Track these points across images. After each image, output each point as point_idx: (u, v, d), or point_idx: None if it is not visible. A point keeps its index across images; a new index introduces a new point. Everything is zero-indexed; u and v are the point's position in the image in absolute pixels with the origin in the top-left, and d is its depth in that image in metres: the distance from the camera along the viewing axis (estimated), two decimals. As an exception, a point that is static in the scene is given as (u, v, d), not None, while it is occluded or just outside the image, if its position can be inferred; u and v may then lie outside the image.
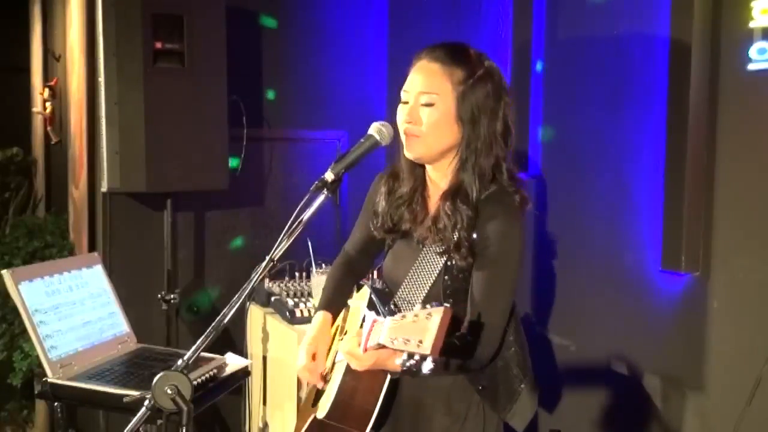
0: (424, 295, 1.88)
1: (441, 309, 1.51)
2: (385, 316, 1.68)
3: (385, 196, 1.99)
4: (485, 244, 1.80)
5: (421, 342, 1.49)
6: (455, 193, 1.84)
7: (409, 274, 1.91)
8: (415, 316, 1.54)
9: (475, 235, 1.81)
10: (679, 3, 2.54)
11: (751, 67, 2.36)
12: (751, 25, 2.35)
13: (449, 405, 1.91)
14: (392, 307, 1.92)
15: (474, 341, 1.77)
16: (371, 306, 1.88)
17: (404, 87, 1.87)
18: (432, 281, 1.87)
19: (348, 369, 1.81)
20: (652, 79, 2.67)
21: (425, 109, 1.82)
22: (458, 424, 1.91)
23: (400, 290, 1.93)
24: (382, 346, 1.60)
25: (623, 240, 2.82)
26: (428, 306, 1.53)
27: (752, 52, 2.35)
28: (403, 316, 1.56)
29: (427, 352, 1.48)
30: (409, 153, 1.87)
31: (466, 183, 1.83)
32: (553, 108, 3.19)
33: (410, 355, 1.50)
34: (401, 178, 1.97)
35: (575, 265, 3.07)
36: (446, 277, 1.86)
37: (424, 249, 1.89)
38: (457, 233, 1.81)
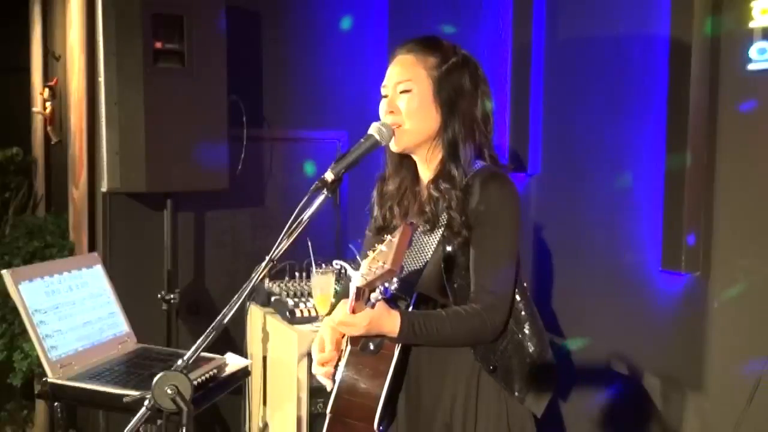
0: (421, 276, 1.88)
1: (401, 226, 1.57)
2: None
3: (377, 200, 2.03)
4: (477, 214, 1.81)
5: (384, 263, 1.54)
6: (439, 178, 1.86)
7: (405, 263, 1.91)
8: (382, 245, 1.59)
9: (467, 212, 1.82)
10: (679, 3, 2.54)
11: (751, 67, 2.36)
12: (751, 25, 2.35)
13: (468, 393, 1.89)
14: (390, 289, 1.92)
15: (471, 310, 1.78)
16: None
17: (383, 82, 1.91)
18: (424, 262, 1.87)
19: (348, 360, 1.81)
20: (652, 79, 2.67)
21: (403, 97, 1.86)
22: (474, 409, 1.88)
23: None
24: (360, 291, 1.63)
25: (623, 240, 2.82)
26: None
27: (752, 52, 2.35)
28: (373, 250, 1.62)
29: (389, 265, 1.51)
30: (394, 145, 1.89)
31: (449, 166, 1.85)
32: (553, 108, 3.19)
33: (382, 284, 1.56)
34: (387, 176, 2.00)
35: (575, 265, 3.07)
36: (444, 257, 1.84)
37: (415, 236, 1.90)
38: (446, 214, 1.83)
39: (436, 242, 1.86)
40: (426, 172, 1.94)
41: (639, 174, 2.77)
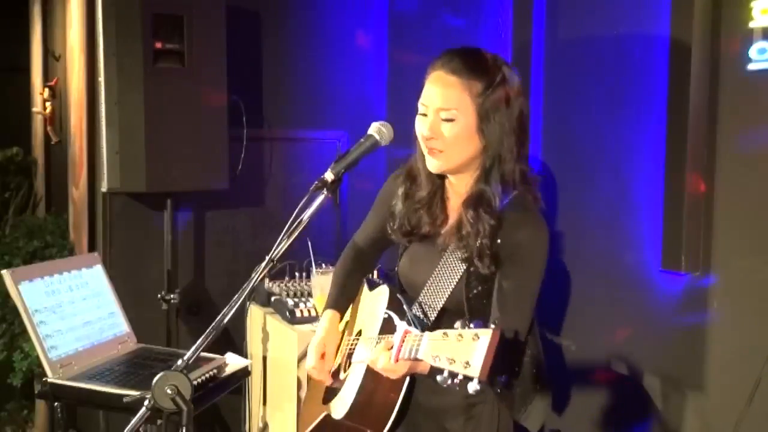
0: (445, 299, 1.87)
1: (490, 331, 1.46)
2: (412, 324, 1.68)
3: (402, 198, 1.97)
4: (512, 250, 1.79)
5: (468, 363, 1.45)
6: (478, 200, 1.82)
7: (431, 279, 1.90)
8: (459, 335, 1.49)
9: (499, 241, 1.80)
10: (679, 3, 2.54)
11: (751, 67, 2.36)
12: (751, 25, 2.35)
13: (466, 406, 1.91)
14: (416, 311, 1.90)
15: (514, 357, 1.79)
16: (395, 310, 1.84)
17: (421, 99, 1.84)
18: (453, 286, 1.86)
19: (368, 372, 1.81)
20: (652, 79, 2.67)
21: (446, 124, 1.79)
22: (472, 423, 1.91)
23: (421, 294, 1.92)
24: (418, 360, 1.59)
25: (623, 240, 2.82)
26: (471, 325, 1.49)
27: (752, 52, 2.35)
28: (445, 334, 1.53)
29: (476, 374, 1.44)
30: (431, 166, 1.85)
31: (488, 191, 1.82)
32: (553, 108, 3.19)
33: (452, 374, 1.47)
34: (419, 182, 1.95)
35: (575, 265, 3.07)
36: (468, 285, 1.84)
37: (446, 254, 1.88)
38: (479, 241, 1.80)
39: (465, 266, 1.85)
40: (459, 186, 1.90)
41: (639, 174, 2.77)
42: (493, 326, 1.47)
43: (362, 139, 1.84)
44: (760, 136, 2.39)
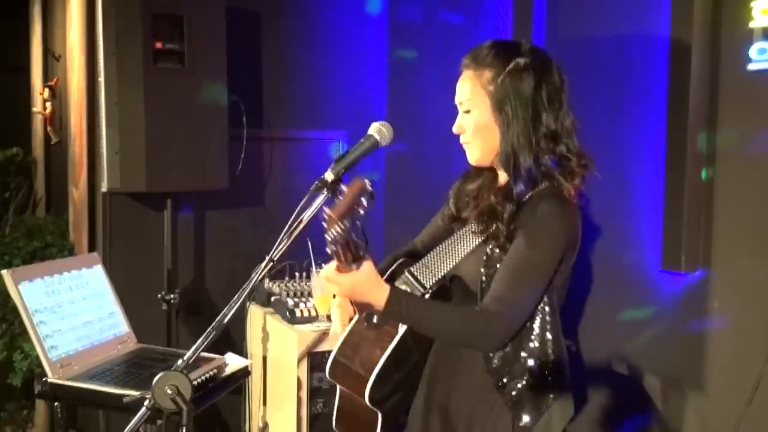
0: (451, 267, 1.87)
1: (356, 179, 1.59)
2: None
3: (456, 188, 2.03)
4: (520, 227, 1.78)
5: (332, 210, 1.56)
6: (504, 187, 1.85)
7: (441, 246, 1.92)
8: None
9: (513, 227, 1.79)
10: (679, 3, 2.54)
11: (751, 67, 2.36)
12: (751, 25, 2.35)
13: (475, 408, 1.85)
14: (407, 272, 1.91)
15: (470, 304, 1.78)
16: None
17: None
18: (461, 257, 1.87)
19: (352, 329, 1.86)
20: (652, 79, 2.67)
21: (466, 117, 1.87)
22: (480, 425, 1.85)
23: (426, 257, 1.92)
24: (333, 242, 1.61)
25: (623, 240, 2.82)
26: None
27: (752, 52, 2.35)
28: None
29: (332, 213, 1.53)
30: (469, 160, 1.92)
31: (510, 178, 1.83)
32: (553, 108, 3.18)
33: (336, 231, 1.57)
34: (471, 176, 2.00)
35: (575, 265, 3.07)
36: (487, 266, 1.81)
37: (463, 229, 1.91)
38: (495, 224, 1.81)
39: (476, 244, 1.85)
40: (502, 179, 1.92)
41: (639, 174, 2.77)
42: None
43: (362, 139, 1.84)
44: (760, 136, 2.39)
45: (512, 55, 1.82)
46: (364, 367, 1.82)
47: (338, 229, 1.55)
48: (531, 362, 1.81)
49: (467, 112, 1.86)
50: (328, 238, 1.59)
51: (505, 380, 1.81)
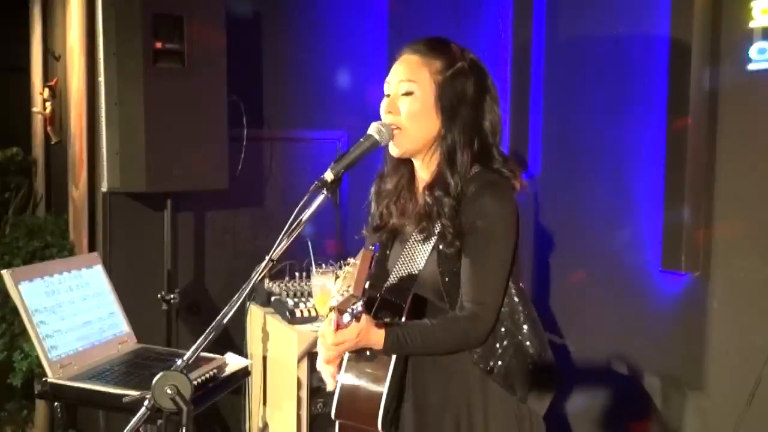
0: (416, 280, 1.87)
1: (362, 252, 1.64)
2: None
3: (374, 198, 2.01)
4: (470, 223, 1.79)
5: (349, 287, 1.62)
6: (435, 184, 1.85)
7: (397, 266, 1.91)
8: (349, 266, 1.68)
9: (459, 220, 1.80)
10: (679, 3, 2.54)
11: (751, 67, 2.37)
12: (751, 25, 2.35)
13: (475, 400, 1.89)
14: (380, 298, 1.91)
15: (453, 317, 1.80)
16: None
17: (386, 79, 1.89)
18: (419, 269, 1.87)
19: (348, 366, 1.82)
20: (652, 79, 2.67)
21: (405, 99, 1.84)
22: (482, 417, 1.88)
23: (388, 281, 1.92)
24: (335, 309, 1.65)
25: (623, 240, 2.82)
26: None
27: (752, 52, 2.35)
28: (345, 273, 1.74)
29: (352, 291, 1.59)
30: (392, 150, 1.88)
31: (445, 173, 1.83)
32: (553, 108, 3.19)
33: (353, 306, 1.62)
34: (385, 175, 1.98)
35: (575, 265, 3.07)
36: (441, 267, 1.84)
37: (410, 240, 1.90)
38: (439, 223, 1.81)
39: (430, 249, 1.85)
40: (423, 175, 1.92)
41: (639, 174, 2.77)
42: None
43: (362, 139, 1.83)
44: (760, 136, 2.39)
45: (463, 53, 1.87)
46: (371, 401, 1.82)
47: (361, 306, 1.63)
48: (509, 340, 1.86)
49: (407, 94, 1.83)
50: (353, 311, 1.65)
51: (491, 363, 1.86)
